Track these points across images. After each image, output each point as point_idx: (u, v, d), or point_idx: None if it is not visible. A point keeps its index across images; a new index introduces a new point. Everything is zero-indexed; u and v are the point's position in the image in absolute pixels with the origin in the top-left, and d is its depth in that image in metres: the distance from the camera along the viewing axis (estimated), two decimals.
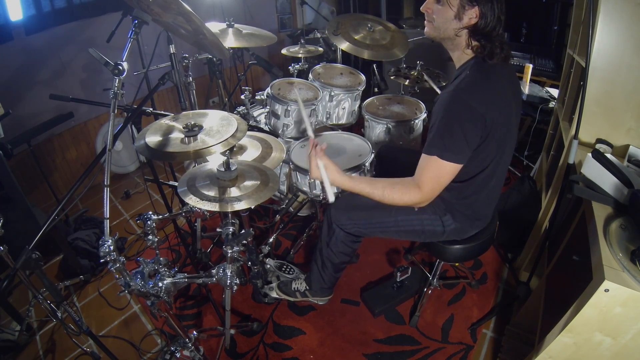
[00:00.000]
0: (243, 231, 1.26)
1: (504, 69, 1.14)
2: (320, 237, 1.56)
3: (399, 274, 1.71)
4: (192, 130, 1.20)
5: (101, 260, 0.96)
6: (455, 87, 1.08)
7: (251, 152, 1.63)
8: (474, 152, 1.11)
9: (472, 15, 1.05)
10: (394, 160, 1.74)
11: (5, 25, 2.30)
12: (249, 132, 1.75)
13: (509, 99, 1.14)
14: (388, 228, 1.42)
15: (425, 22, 1.16)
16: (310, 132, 1.21)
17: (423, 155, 1.12)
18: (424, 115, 2.04)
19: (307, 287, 1.68)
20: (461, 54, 1.15)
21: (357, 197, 1.49)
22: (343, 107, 2.14)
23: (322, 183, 1.18)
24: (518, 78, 1.32)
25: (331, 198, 1.14)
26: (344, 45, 2.14)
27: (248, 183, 1.26)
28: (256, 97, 2.09)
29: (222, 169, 1.25)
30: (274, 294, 1.75)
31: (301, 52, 2.56)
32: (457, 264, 1.93)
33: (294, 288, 1.71)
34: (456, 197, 1.28)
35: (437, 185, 1.13)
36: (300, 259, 2.08)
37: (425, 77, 1.93)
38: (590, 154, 1.18)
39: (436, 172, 1.11)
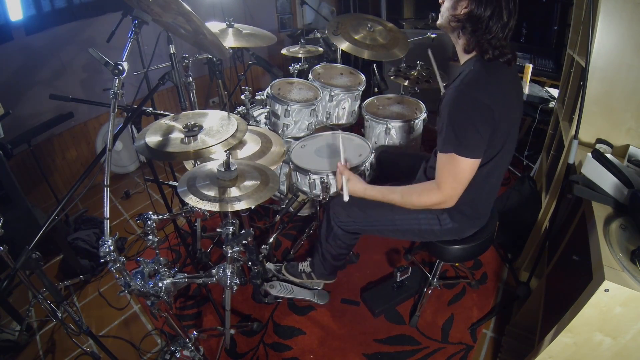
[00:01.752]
0: (243, 231, 1.26)
1: (507, 71, 1.15)
2: (320, 232, 1.62)
3: (399, 274, 1.71)
4: (192, 130, 1.20)
5: (101, 260, 0.95)
6: (461, 83, 1.08)
7: (250, 147, 1.63)
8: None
9: (463, 5, 1.09)
10: (393, 165, 1.75)
11: (5, 25, 2.30)
12: (248, 127, 1.75)
13: (513, 97, 1.15)
14: (385, 227, 1.43)
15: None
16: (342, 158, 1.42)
17: (439, 155, 1.13)
18: (424, 115, 2.04)
19: (311, 270, 1.75)
20: (462, 50, 1.18)
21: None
22: (343, 107, 2.14)
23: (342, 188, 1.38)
24: (520, 79, 1.33)
25: (346, 197, 1.34)
26: (344, 45, 2.14)
27: (248, 183, 1.26)
28: (256, 97, 2.09)
29: (222, 169, 1.25)
30: (274, 291, 1.76)
31: (301, 52, 2.56)
32: (457, 264, 1.93)
33: (300, 269, 1.79)
34: None
35: (456, 184, 1.13)
36: (301, 259, 2.07)
37: (432, 59, 1.87)
38: (590, 154, 1.17)
39: (454, 170, 1.11)
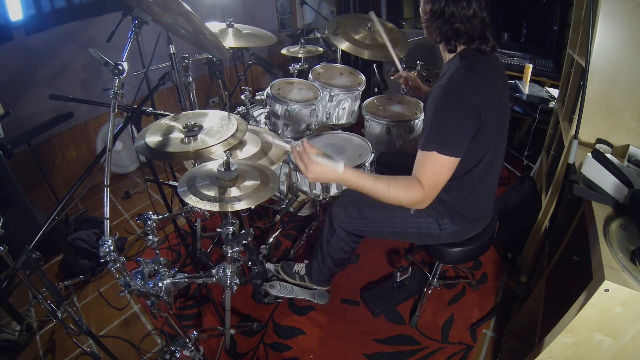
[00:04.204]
0: (243, 231, 1.26)
1: (492, 64, 1.17)
2: (322, 235, 1.59)
3: (399, 274, 1.71)
4: (192, 130, 1.20)
5: (101, 260, 0.96)
6: (448, 80, 1.08)
7: (250, 148, 1.63)
8: (469, 143, 1.11)
9: (426, 9, 1.14)
10: (393, 165, 1.75)
11: (5, 25, 2.30)
12: (249, 127, 1.75)
13: (500, 93, 1.17)
14: (384, 228, 1.43)
15: None
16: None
17: (420, 152, 1.10)
18: (424, 116, 2.04)
19: (306, 274, 1.74)
20: (444, 49, 1.20)
21: (357, 196, 1.50)
22: (343, 107, 2.14)
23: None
24: (507, 74, 1.34)
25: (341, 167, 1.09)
26: (344, 45, 2.14)
27: (248, 183, 1.26)
28: (256, 97, 2.09)
29: (222, 169, 1.25)
30: (274, 291, 1.76)
31: (301, 52, 2.56)
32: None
33: (295, 270, 1.78)
34: (457, 198, 1.27)
35: (437, 183, 1.11)
36: (300, 259, 2.07)
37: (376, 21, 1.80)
38: (590, 154, 1.17)
39: (436, 169, 1.09)
